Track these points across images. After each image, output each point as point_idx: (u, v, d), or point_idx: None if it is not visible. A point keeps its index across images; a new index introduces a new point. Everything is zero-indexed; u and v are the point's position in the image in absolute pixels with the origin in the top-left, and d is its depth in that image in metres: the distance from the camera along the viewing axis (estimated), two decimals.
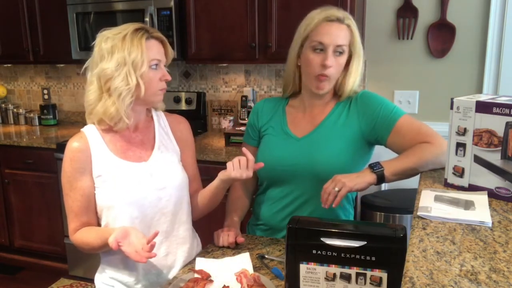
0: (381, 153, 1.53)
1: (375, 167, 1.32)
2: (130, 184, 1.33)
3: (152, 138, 1.42)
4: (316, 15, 1.41)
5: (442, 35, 2.59)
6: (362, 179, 1.29)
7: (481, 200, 1.03)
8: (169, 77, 1.34)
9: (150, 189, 1.35)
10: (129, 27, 1.30)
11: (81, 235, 1.34)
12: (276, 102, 1.60)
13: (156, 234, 1.21)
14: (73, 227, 1.35)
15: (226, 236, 1.44)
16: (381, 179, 1.31)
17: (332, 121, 1.47)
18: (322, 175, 1.39)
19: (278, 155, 1.48)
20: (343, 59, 1.41)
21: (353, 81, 1.45)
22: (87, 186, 1.33)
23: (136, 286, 1.39)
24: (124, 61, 1.26)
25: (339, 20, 1.38)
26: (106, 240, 1.24)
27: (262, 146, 1.56)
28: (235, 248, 1.44)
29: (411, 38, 2.65)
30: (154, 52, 1.30)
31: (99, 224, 1.38)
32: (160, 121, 1.46)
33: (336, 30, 1.38)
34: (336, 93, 1.50)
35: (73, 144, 1.33)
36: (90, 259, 2.91)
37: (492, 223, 0.91)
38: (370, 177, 1.30)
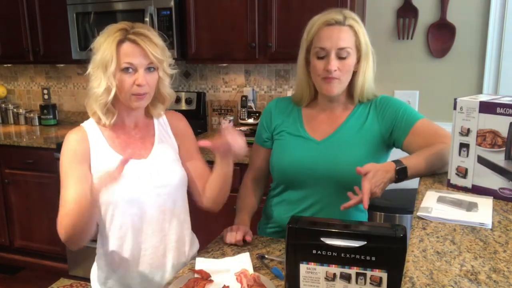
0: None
1: (399, 166, 1.27)
2: (129, 182, 1.32)
3: (151, 135, 1.42)
4: (316, 20, 1.39)
5: (442, 35, 2.58)
6: (388, 180, 1.25)
7: (485, 202, 1.02)
8: (140, 82, 1.26)
9: (149, 186, 1.35)
10: (114, 27, 1.29)
11: (66, 216, 1.24)
12: (290, 102, 1.56)
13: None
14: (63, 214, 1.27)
15: (234, 234, 1.44)
16: (400, 179, 1.28)
17: (352, 125, 1.45)
18: (343, 180, 1.38)
19: (296, 158, 1.46)
20: (350, 61, 1.38)
21: (362, 81, 1.42)
22: (84, 176, 1.29)
23: (132, 283, 1.39)
24: (98, 62, 1.28)
25: (339, 23, 1.36)
26: (84, 200, 1.19)
27: (277, 148, 1.53)
28: (235, 248, 1.44)
29: (411, 38, 2.65)
30: (124, 56, 1.26)
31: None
32: (160, 118, 1.46)
33: (336, 33, 1.36)
34: (352, 95, 1.47)
35: (71, 136, 1.33)
36: (90, 259, 2.90)
37: (492, 223, 0.91)
38: (393, 177, 1.26)
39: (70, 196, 1.27)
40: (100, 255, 1.43)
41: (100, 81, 1.27)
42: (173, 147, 1.45)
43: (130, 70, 1.27)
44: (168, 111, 1.50)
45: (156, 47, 1.28)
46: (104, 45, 1.27)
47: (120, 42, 1.26)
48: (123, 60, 1.26)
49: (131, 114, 1.38)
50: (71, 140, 1.33)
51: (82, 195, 1.22)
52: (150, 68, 1.29)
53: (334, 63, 1.35)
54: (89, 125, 1.36)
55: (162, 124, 1.46)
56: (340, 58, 1.36)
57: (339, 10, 1.40)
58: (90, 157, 1.32)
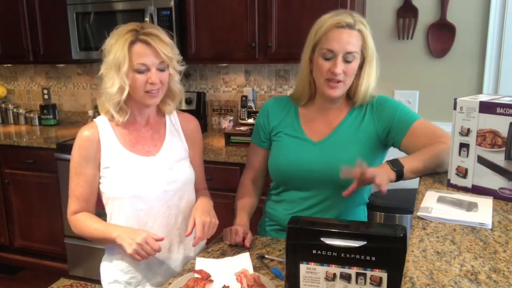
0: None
1: (395, 165, 1.27)
2: (136, 177, 1.37)
3: (162, 134, 1.46)
4: (326, 20, 1.37)
5: (442, 35, 2.59)
6: (387, 177, 1.25)
7: (485, 202, 1.02)
8: (154, 80, 1.31)
9: (156, 183, 1.39)
10: (124, 28, 1.32)
11: (82, 218, 1.38)
12: (287, 101, 1.56)
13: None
14: (72, 208, 1.40)
15: (233, 236, 1.45)
16: (399, 177, 1.28)
17: (348, 126, 1.45)
18: (339, 181, 1.38)
19: (293, 160, 1.46)
20: (355, 64, 1.38)
21: (366, 87, 1.42)
22: (91, 174, 1.37)
23: (137, 275, 1.42)
24: (111, 63, 1.31)
25: (350, 26, 1.35)
26: (109, 235, 1.32)
27: (275, 149, 1.53)
28: (235, 248, 1.44)
29: (411, 38, 2.65)
30: (137, 57, 1.30)
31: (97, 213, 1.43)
32: (171, 117, 1.50)
33: (346, 37, 1.34)
34: (350, 97, 1.47)
35: (83, 133, 1.38)
36: (90, 259, 2.91)
37: (492, 223, 0.91)
38: (392, 175, 1.26)
39: (79, 193, 1.38)
40: (109, 247, 1.46)
41: (113, 81, 1.31)
42: (183, 146, 1.49)
43: (143, 69, 1.31)
44: (181, 112, 1.54)
45: (166, 46, 1.32)
46: (116, 46, 1.30)
47: (131, 43, 1.29)
48: (136, 60, 1.30)
49: (142, 111, 1.42)
50: (83, 138, 1.38)
51: (101, 229, 1.35)
52: (162, 67, 1.34)
53: (340, 67, 1.35)
54: (101, 122, 1.40)
55: (173, 124, 1.49)
56: (346, 61, 1.36)
57: (349, 13, 1.38)
58: (100, 155, 1.37)
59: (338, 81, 1.37)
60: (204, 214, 1.38)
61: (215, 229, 1.39)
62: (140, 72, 1.30)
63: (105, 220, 1.42)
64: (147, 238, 1.25)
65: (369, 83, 1.42)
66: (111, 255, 1.44)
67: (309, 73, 1.45)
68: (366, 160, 1.40)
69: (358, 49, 1.37)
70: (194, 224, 1.35)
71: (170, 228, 1.44)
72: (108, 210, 1.42)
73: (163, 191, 1.40)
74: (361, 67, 1.41)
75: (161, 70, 1.34)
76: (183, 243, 1.48)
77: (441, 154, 1.28)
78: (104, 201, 1.42)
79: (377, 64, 1.43)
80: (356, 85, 1.43)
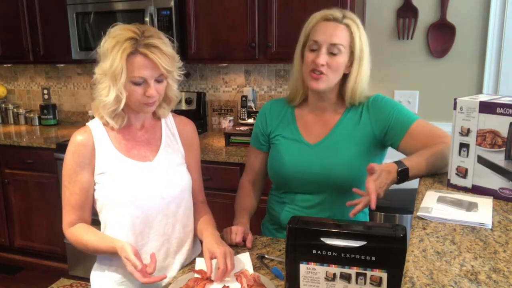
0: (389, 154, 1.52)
1: (400, 167, 1.24)
2: (132, 183, 1.32)
3: (158, 138, 1.41)
4: (315, 15, 1.40)
5: (442, 35, 2.59)
6: (391, 182, 1.23)
7: (485, 202, 1.02)
8: (151, 93, 1.26)
9: (153, 189, 1.34)
10: (123, 34, 1.24)
11: (77, 232, 1.33)
12: (284, 104, 1.56)
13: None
14: (68, 220, 1.35)
15: (234, 235, 1.44)
16: (401, 182, 1.26)
17: (344, 127, 1.45)
18: (339, 182, 1.39)
19: (291, 162, 1.46)
20: (340, 59, 1.36)
21: (352, 86, 1.40)
22: (86, 181, 1.32)
23: (132, 285, 1.38)
24: (107, 71, 1.24)
25: (336, 20, 1.36)
26: (107, 247, 1.28)
27: (273, 152, 1.53)
28: (235, 248, 1.44)
29: (411, 38, 2.65)
30: (136, 70, 1.23)
31: (93, 221, 1.38)
32: (167, 121, 1.45)
33: (332, 29, 1.35)
34: (343, 97, 1.46)
35: (77, 138, 1.32)
36: (90, 259, 2.90)
37: (492, 223, 0.91)
38: (395, 178, 1.24)
39: (75, 202, 1.33)
40: (100, 256, 1.42)
41: (108, 90, 1.25)
42: (180, 151, 1.44)
43: (141, 82, 1.25)
44: (177, 116, 1.49)
45: (166, 59, 1.25)
46: (113, 53, 1.22)
47: (130, 54, 1.22)
48: (134, 73, 1.23)
49: (138, 116, 1.38)
50: (77, 143, 1.32)
51: (100, 242, 1.31)
52: (160, 79, 1.28)
53: (323, 57, 1.35)
54: (95, 125, 1.35)
55: (169, 128, 1.45)
56: (331, 54, 1.35)
57: (340, 10, 1.40)
58: (94, 160, 1.32)
59: (321, 73, 1.36)
60: (219, 244, 1.28)
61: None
62: (137, 84, 1.25)
63: (99, 228, 1.38)
64: (131, 267, 1.19)
65: (357, 82, 1.40)
66: (103, 265, 1.40)
67: (301, 69, 1.45)
68: (362, 160, 1.40)
69: (344, 43, 1.36)
70: (210, 258, 1.26)
71: (167, 237, 1.39)
72: (102, 218, 1.36)
73: (160, 197, 1.35)
74: (351, 65, 1.40)
75: (159, 82, 1.28)
76: (179, 253, 1.43)
77: (445, 156, 1.26)
78: (98, 208, 1.36)
79: (368, 66, 1.42)
80: (346, 85, 1.42)
